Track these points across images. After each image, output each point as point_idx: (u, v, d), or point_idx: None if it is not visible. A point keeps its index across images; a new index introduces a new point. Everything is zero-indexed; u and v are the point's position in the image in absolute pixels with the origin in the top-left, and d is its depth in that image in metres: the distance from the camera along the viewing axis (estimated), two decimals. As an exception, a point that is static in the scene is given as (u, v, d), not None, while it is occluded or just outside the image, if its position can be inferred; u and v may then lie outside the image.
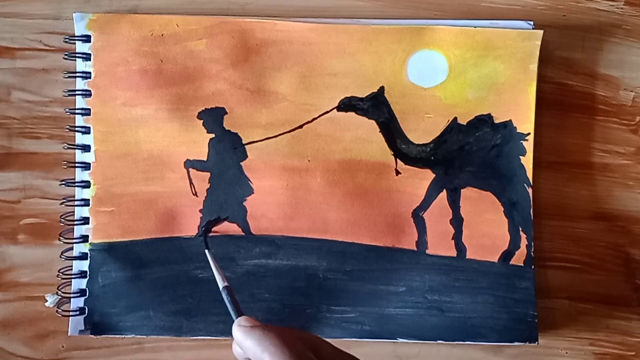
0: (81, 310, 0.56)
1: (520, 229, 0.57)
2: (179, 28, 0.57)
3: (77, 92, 0.57)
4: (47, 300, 0.57)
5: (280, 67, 0.57)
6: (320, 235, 0.57)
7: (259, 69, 0.57)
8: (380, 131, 0.57)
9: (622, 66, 0.58)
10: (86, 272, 0.57)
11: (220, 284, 0.51)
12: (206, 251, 0.55)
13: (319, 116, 0.57)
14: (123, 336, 0.57)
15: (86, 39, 0.57)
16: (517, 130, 0.57)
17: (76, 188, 0.57)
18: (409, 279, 0.57)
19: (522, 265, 0.56)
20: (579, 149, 0.58)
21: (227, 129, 0.57)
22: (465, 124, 0.57)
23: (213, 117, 0.57)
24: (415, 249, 0.57)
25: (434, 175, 0.57)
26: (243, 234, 0.57)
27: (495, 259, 0.57)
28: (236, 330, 0.44)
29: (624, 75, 0.58)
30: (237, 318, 0.46)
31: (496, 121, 0.57)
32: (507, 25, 0.57)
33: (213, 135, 0.57)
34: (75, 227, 0.57)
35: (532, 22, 0.57)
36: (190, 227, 0.57)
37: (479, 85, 0.57)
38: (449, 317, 0.56)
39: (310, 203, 0.57)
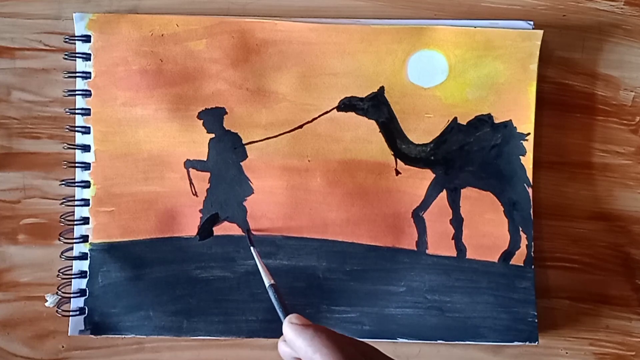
0: (81, 310, 0.56)
1: (520, 229, 0.57)
2: (179, 28, 0.57)
3: (77, 92, 0.57)
4: (47, 300, 0.57)
5: (280, 67, 0.57)
6: (320, 235, 0.57)
7: (259, 69, 0.57)
8: (380, 131, 0.57)
9: (622, 66, 0.58)
10: (86, 272, 0.57)
11: (267, 281, 0.50)
12: (251, 248, 0.55)
13: (319, 116, 0.57)
14: (123, 336, 0.57)
15: (86, 39, 0.57)
16: (517, 130, 0.57)
17: (76, 188, 0.57)
18: (409, 279, 0.57)
19: (522, 265, 0.56)
20: (579, 149, 0.58)
21: (227, 129, 0.57)
22: (465, 124, 0.57)
23: (213, 117, 0.57)
24: (415, 249, 0.57)
25: (434, 175, 0.57)
26: (243, 234, 0.57)
27: (495, 259, 0.57)
28: (287, 328, 0.42)
29: (624, 75, 0.58)
30: (285, 316, 0.44)
31: (496, 121, 0.57)
32: (507, 25, 0.57)
33: (213, 135, 0.57)
34: (75, 227, 0.57)
35: (532, 22, 0.57)
36: (190, 227, 0.57)
37: (479, 85, 0.57)
38: (449, 317, 0.56)
39: (310, 203, 0.57)
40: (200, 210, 0.57)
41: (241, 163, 0.57)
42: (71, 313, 0.56)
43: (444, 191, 0.57)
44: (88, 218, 0.57)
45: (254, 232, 0.57)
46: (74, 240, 0.57)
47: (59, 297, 0.57)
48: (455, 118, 0.57)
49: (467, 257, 0.57)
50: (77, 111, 0.57)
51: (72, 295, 0.57)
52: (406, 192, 0.57)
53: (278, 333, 0.44)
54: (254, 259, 0.54)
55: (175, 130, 0.57)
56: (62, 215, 0.57)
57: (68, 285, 0.57)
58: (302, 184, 0.57)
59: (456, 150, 0.57)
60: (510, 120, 0.57)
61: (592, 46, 0.58)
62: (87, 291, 0.57)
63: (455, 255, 0.57)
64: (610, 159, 0.58)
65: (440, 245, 0.57)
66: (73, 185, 0.57)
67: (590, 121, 0.58)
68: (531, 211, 0.57)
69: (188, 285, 0.57)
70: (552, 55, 0.58)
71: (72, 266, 0.57)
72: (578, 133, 0.58)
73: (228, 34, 0.57)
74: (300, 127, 0.57)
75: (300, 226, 0.57)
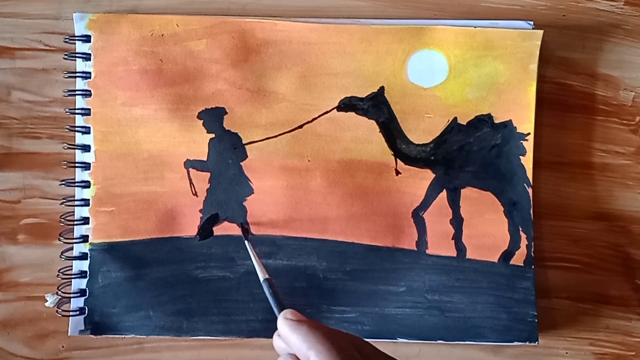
0: (81, 310, 0.56)
1: (520, 229, 0.57)
2: (179, 28, 0.57)
3: (77, 92, 0.57)
4: (47, 300, 0.57)
5: (280, 67, 0.57)
6: (320, 235, 0.57)
7: (259, 69, 0.57)
8: (380, 131, 0.57)
9: (622, 66, 0.58)
10: (86, 272, 0.57)
11: (261, 276, 0.50)
12: (246, 242, 0.55)
13: (319, 116, 0.57)
14: (123, 336, 0.57)
15: (86, 39, 0.57)
16: (517, 130, 0.57)
17: (76, 188, 0.57)
18: (409, 279, 0.57)
19: (522, 265, 0.56)
20: (579, 149, 0.58)
21: (227, 129, 0.57)
22: (465, 124, 0.57)
23: (213, 117, 0.57)
24: (415, 249, 0.57)
25: (434, 175, 0.57)
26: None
27: (495, 259, 0.57)
28: (282, 324, 0.42)
29: (624, 75, 0.58)
30: (280, 311, 0.44)
31: (496, 121, 0.57)
32: (507, 25, 0.57)
33: (213, 135, 0.57)
34: (75, 227, 0.57)
35: (532, 22, 0.57)
36: (190, 227, 0.57)
37: (479, 85, 0.57)
38: (449, 317, 0.56)
39: (310, 203, 0.57)
40: (200, 210, 0.57)
41: (241, 163, 0.57)
42: (71, 313, 0.56)
43: (444, 191, 0.57)
44: (88, 218, 0.57)
45: (254, 233, 0.57)
46: (74, 240, 0.57)
47: (59, 297, 0.57)
48: (455, 118, 0.57)
49: (467, 257, 0.57)
50: (77, 111, 0.57)
51: (72, 295, 0.57)
52: (406, 192, 0.57)
53: (278, 333, 0.44)
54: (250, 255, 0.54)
55: (175, 130, 0.57)
56: (62, 215, 0.57)
57: (68, 285, 0.57)
58: (302, 183, 0.57)
59: (456, 150, 0.57)
60: (510, 120, 0.57)
61: (592, 46, 0.58)
62: (87, 291, 0.57)
63: (455, 255, 0.57)
64: (610, 159, 0.58)
65: (440, 245, 0.57)
66: (73, 185, 0.57)
67: (590, 121, 0.58)
68: (531, 211, 0.57)
69: (188, 285, 0.57)
70: (552, 55, 0.58)
71: (72, 266, 0.57)
72: (578, 133, 0.58)
73: (228, 34, 0.57)
74: (300, 127, 0.57)
75: (300, 226, 0.57)
